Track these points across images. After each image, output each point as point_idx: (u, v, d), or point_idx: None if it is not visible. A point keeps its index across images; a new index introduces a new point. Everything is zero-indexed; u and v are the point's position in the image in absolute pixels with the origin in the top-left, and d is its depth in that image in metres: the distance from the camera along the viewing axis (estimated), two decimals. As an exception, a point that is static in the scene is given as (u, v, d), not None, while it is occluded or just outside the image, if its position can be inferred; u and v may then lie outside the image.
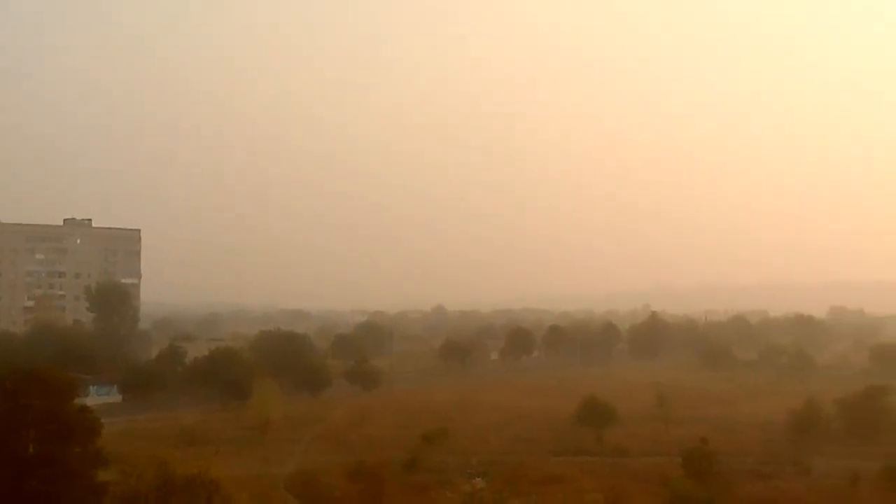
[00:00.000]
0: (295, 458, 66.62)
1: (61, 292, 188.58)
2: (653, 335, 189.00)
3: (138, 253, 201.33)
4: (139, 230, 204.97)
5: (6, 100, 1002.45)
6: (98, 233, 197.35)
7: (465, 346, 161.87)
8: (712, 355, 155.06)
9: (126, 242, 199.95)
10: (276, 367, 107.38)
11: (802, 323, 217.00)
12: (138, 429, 77.34)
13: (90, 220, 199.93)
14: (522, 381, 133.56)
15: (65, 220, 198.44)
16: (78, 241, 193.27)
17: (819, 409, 78.39)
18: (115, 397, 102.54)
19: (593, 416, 75.75)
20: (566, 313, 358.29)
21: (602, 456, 67.05)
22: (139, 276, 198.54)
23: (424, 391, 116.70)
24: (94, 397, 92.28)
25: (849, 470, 58.22)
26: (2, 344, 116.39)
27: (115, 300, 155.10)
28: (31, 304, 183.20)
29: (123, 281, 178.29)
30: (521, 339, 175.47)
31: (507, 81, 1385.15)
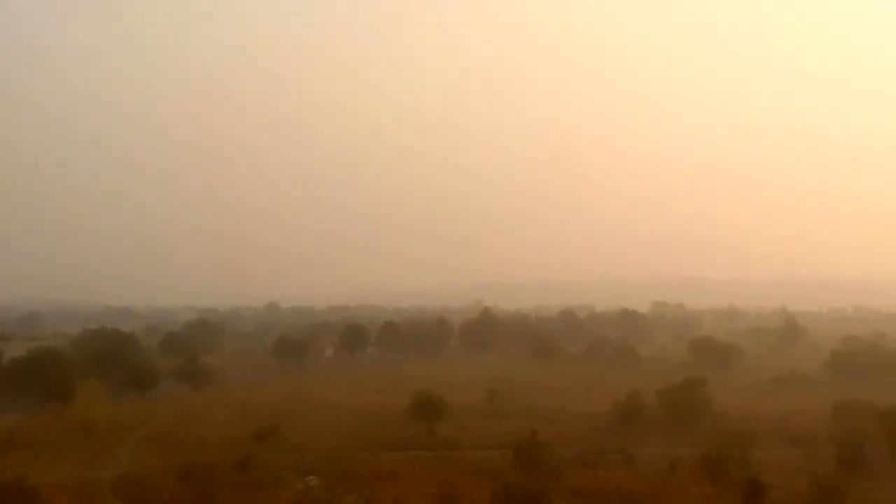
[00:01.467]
0: (121, 460, 64.20)
1: None
2: (485, 330, 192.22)
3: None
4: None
5: None
6: None
7: (298, 342, 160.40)
8: (542, 349, 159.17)
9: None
10: (100, 367, 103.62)
11: (627, 317, 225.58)
12: (-52, 435, 72.89)
13: None
14: (356, 377, 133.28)
15: None
16: None
17: (641, 399, 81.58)
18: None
19: (426, 411, 76.30)
20: (401, 309, 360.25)
21: (435, 450, 67.55)
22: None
23: (257, 389, 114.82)
24: None
25: (668, 457, 60.84)
26: None
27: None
28: None
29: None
30: (356, 336, 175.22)
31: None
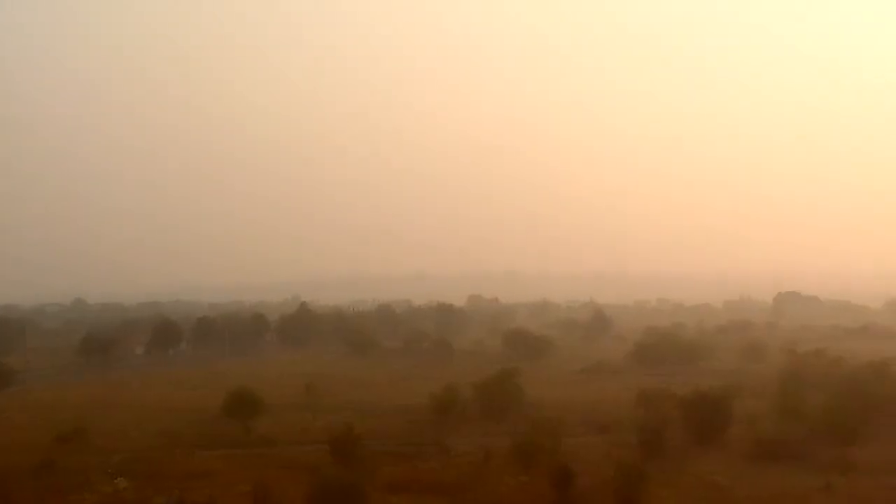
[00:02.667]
0: None
1: None
2: (302, 325, 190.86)
3: None
4: None
5: None
6: None
7: (106, 340, 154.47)
8: (359, 344, 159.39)
9: None
10: None
11: (443, 311, 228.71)
12: None
13: None
14: (168, 374, 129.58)
15: None
16: None
17: (457, 392, 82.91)
18: None
19: (241, 408, 74.88)
20: (216, 304, 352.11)
21: (250, 447, 66.50)
22: None
23: (61, 389, 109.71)
24: None
25: (483, 447, 62.11)
26: None
27: None
28: None
29: None
30: (168, 332, 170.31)
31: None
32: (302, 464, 58.29)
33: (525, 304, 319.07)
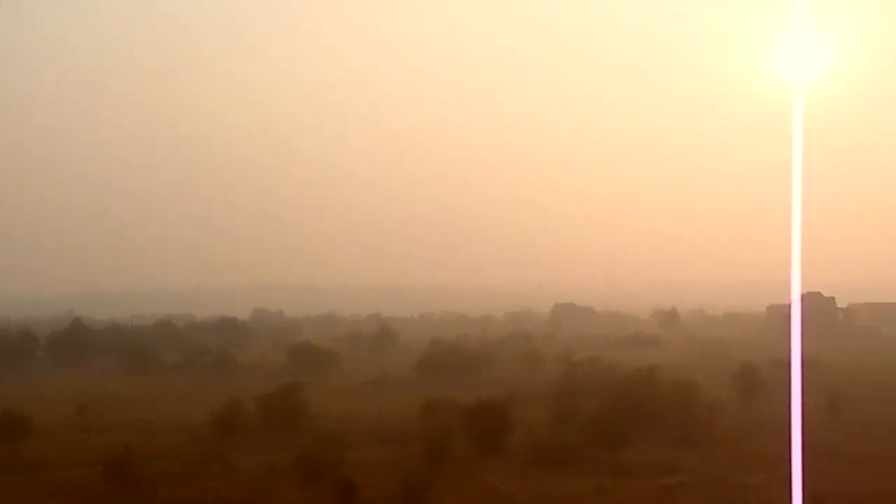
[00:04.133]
0: None
1: None
2: (76, 342, 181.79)
3: None
4: None
5: None
6: None
7: None
8: (137, 360, 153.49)
9: None
10: None
11: (226, 325, 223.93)
12: None
13: None
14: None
15: None
16: None
17: (239, 407, 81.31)
18: None
19: (6, 430, 70.48)
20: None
21: (19, 472, 62.64)
22: None
23: None
24: None
25: (267, 463, 61.19)
26: None
27: None
28: None
29: None
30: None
31: None
32: (73, 488, 55.50)
33: (310, 318, 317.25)
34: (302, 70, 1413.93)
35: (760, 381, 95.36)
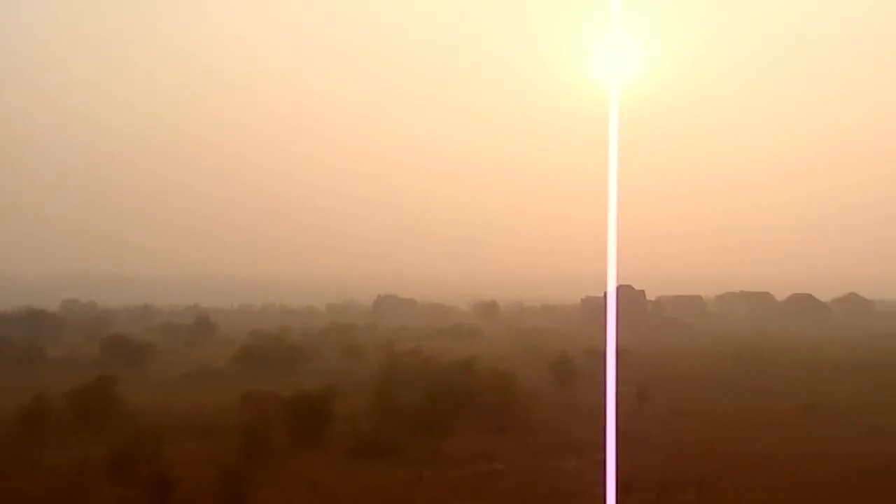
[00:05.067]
0: None
1: None
2: None
3: None
4: None
5: None
6: None
7: None
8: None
9: None
10: None
11: (34, 317, 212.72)
12: None
13: None
14: None
15: None
16: None
17: (48, 402, 77.66)
18: None
19: None
20: None
21: None
22: None
23: None
24: None
25: (78, 460, 58.76)
26: None
27: None
28: None
29: None
30: None
31: None
32: None
33: (125, 309, 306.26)
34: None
35: (575, 371, 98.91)
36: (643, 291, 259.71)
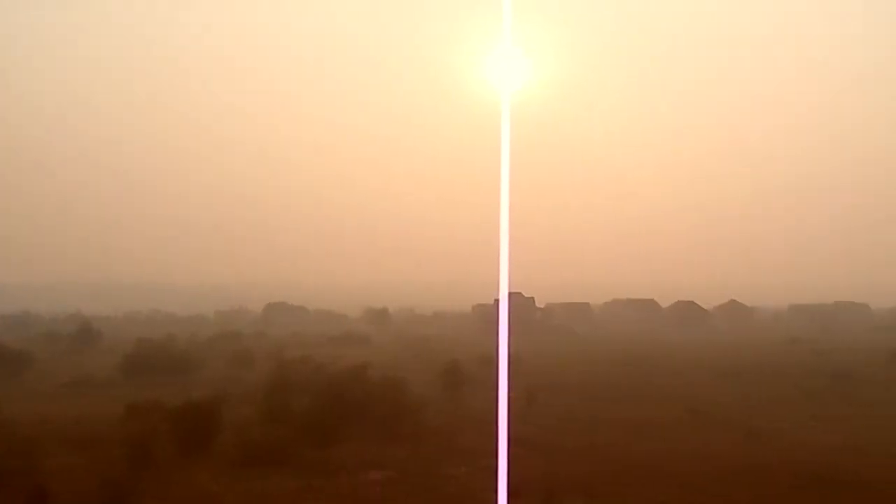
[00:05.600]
0: None
1: None
2: None
3: None
4: None
5: None
6: None
7: None
8: None
9: None
10: None
11: None
12: None
13: None
14: None
15: None
16: None
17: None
18: None
19: None
20: None
21: None
22: None
23: None
24: None
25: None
26: None
27: None
28: None
29: None
30: None
31: None
32: None
33: (2, 317, 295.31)
34: None
35: (466, 378, 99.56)
36: (533, 298, 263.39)
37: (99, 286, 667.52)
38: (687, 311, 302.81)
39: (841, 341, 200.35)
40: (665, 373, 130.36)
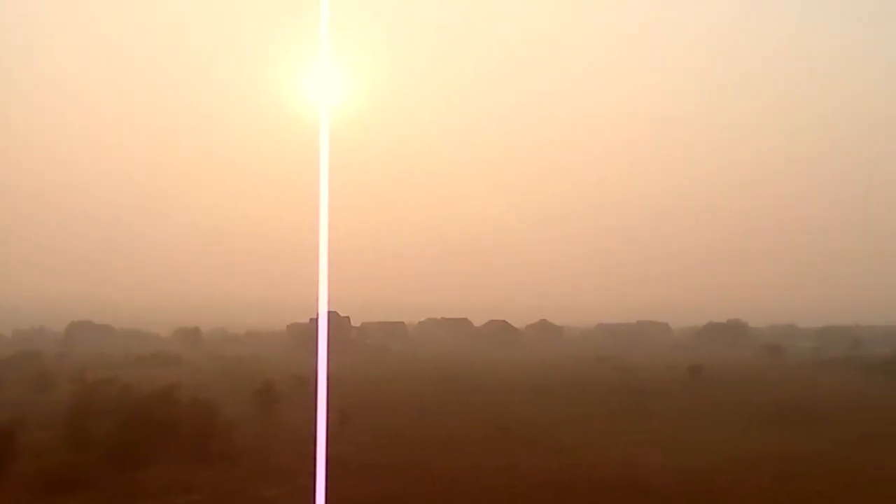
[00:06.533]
0: None
1: None
2: None
3: None
4: None
5: None
6: None
7: None
8: None
9: None
10: None
11: None
12: None
13: None
14: None
15: None
16: None
17: None
18: None
19: None
20: None
21: None
22: None
23: None
24: None
25: None
26: None
27: None
28: None
29: None
30: None
31: None
32: None
33: None
34: None
35: (279, 398, 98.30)
36: (348, 317, 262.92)
37: None
38: (499, 330, 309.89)
39: (643, 358, 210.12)
40: (478, 390, 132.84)
